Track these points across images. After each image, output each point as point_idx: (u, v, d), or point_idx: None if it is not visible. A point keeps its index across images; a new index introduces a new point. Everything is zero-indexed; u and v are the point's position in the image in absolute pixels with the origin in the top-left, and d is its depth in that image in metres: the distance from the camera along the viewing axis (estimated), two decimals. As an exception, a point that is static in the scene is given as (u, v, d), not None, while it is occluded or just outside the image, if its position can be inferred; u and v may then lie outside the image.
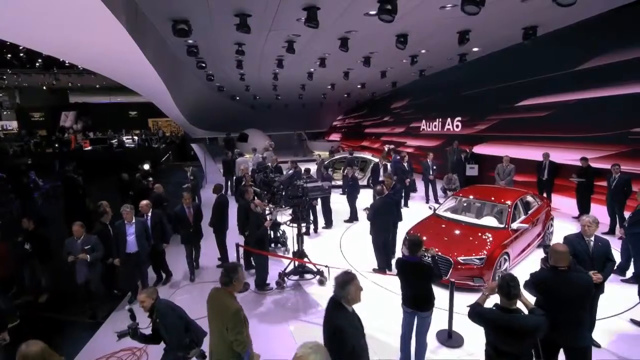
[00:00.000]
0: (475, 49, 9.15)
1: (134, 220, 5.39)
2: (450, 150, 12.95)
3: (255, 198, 6.33)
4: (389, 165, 11.34)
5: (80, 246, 4.94)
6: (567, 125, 9.29)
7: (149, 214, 5.93)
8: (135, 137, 32.27)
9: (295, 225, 5.82)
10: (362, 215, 9.62)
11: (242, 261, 6.42)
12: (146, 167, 11.70)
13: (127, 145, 28.95)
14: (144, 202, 5.96)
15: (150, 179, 9.88)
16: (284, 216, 6.67)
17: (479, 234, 5.94)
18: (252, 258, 6.17)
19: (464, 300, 5.11)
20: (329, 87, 15.32)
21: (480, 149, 12.45)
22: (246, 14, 5.32)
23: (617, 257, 5.37)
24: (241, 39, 7.34)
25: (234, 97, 19.06)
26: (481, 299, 3.01)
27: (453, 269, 5.48)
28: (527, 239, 6.45)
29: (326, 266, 5.11)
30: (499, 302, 2.82)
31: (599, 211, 8.50)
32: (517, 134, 10.95)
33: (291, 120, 25.02)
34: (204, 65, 9.97)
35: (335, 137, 28.78)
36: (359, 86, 15.48)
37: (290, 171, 6.16)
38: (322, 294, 5.61)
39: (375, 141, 20.99)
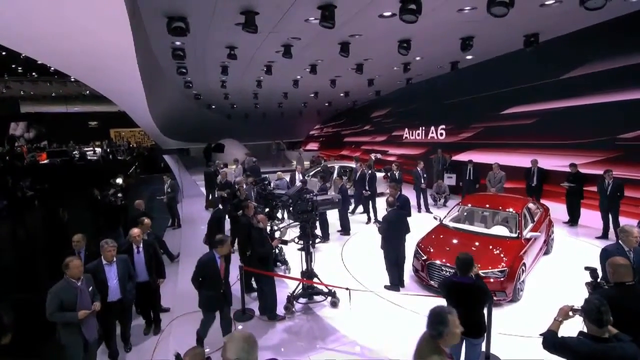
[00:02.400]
0: (468, 57, 9.20)
1: (115, 259, 4.13)
2: (435, 158, 13.03)
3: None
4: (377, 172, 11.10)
5: (85, 291, 3.56)
6: (554, 132, 9.52)
7: (140, 246, 4.74)
8: (98, 149, 30.18)
9: (303, 242, 5.31)
10: (357, 228, 9.33)
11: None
12: (119, 181, 10.69)
13: (89, 157, 26.94)
14: (136, 231, 4.74)
15: (120, 195, 9.00)
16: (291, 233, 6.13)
17: (494, 245, 5.73)
18: (253, 280, 5.55)
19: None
20: (312, 95, 15.00)
21: (466, 157, 12.57)
22: (254, 12, 4.84)
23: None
24: (235, 42, 6.83)
25: (210, 106, 18.25)
26: (554, 326, 2.68)
27: (475, 283, 5.20)
28: (537, 248, 6.35)
29: (347, 289, 4.64)
30: (582, 329, 2.50)
31: (589, 216, 8.74)
32: (504, 141, 11.13)
33: (268, 130, 24.44)
34: (184, 70, 9.28)
35: (312, 146, 28.47)
36: (342, 94, 15.30)
37: (299, 183, 5.65)
38: (336, 318, 5.13)
39: (355, 150, 20.88)
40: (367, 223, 9.80)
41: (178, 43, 6.62)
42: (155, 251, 4.92)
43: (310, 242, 5.24)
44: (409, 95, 15.25)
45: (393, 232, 5.67)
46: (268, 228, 5.88)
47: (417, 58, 8.87)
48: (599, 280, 3.43)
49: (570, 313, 2.69)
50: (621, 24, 7.37)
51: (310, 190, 5.02)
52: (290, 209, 5.13)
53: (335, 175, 12.20)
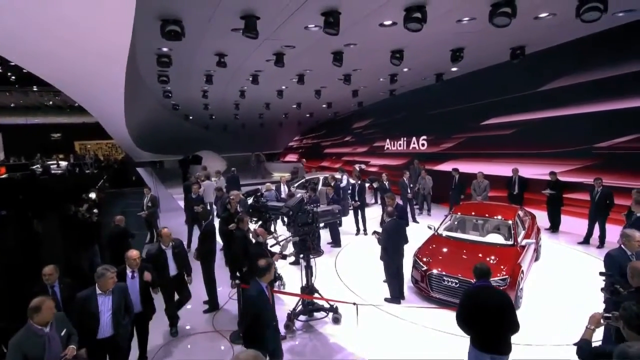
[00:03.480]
0: (454, 69, 9.45)
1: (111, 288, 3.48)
2: (412, 168, 13.18)
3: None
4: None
5: (54, 338, 2.92)
6: (534, 141, 9.90)
7: (136, 270, 4.11)
8: (63, 163, 28.34)
9: (304, 256, 5.07)
10: (346, 239, 9.18)
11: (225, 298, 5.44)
12: (92, 195, 9.97)
13: (53, 171, 25.18)
14: (135, 253, 4.11)
15: (95, 210, 8.33)
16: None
17: (492, 253, 5.74)
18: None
19: None
20: (295, 106, 14.90)
21: (448, 167, 12.83)
22: (255, 16, 4.66)
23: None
24: (226, 49, 6.60)
25: (187, 117, 17.70)
26: (588, 335, 2.62)
27: (478, 292, 5.15)
28: (530, 254, 6.45)
29: (354, 304, 4.43)
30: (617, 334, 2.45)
31: (569, 222, 9.08)
32: (484, 151, 11.46)
33: (247, 141, 24.04)
34: (166, 79, 8.91)
35: (291, 157, 28.27)
36: (324, 105, 15.30)
37: (299, 195, 5.43)
38: (340, 335, 4.90)
39: (336, 161, 20.89)
40: (356, 234, 9.68)
41: (165, 49, 6.30)
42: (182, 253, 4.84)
43: (312, 256, 5.00)
44: (391, 107, 15.49)
45: (393, 242, 5.55)
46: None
47: (405, 69, 9.02)
48: (615, 285, 3.44)
49: (602, 320, 2.64)
50: (597, 40, 7.81)
51: (317, 200, 4.80)
52: (290, 221, 4.89)
53: (320, 185, 12.05)
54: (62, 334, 3.00)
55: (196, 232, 8.75)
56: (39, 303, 2.80)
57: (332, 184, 9.26)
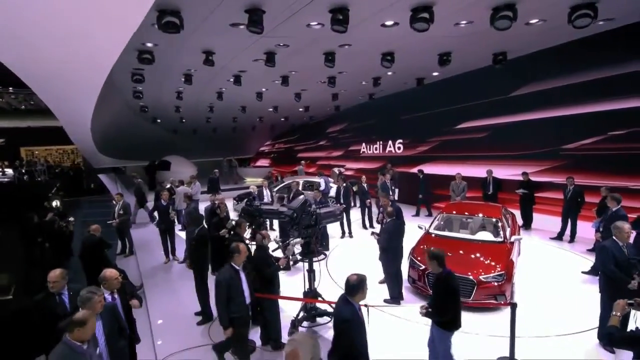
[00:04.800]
0: (435, 74, 9.74)
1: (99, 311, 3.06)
2: (384, 171, 13.41)
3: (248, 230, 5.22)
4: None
5: (94, 354, 2.71)
6: (506, 144, 10.45)
7: (115, 294, 3.54)
8: (9, 170, 25.76)
9: (308, 260, 4.91)
10: (333, 242, 9.08)
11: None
12: (55, 203, 9.09)
13: (-2, 179, 22.80)
14: (113, 273, 3.53)
15: (72, 219, 7.61)
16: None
17: (486, 250, 5.91)
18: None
19: (493, 323, 4.96)
20: (271, 109, 14.65)
21: (424, 169, 13.19)
22: (262, 10, 4.45)
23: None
24: (215, 47, 6.29)
25: (155, 120, 16.80)
26: (615, 321, 2.73)
27: (477, 288, 5.27)
28: (517, 250, 6.72)
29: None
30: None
31: (541, 220, 9.64)
32: (459, 153, 11.92)
33: (218, 146, 23.29)
34: (141, 78, 8.38)
35: (262, 162, 27.78)
36: (301, 109, 15.19)
37: (302, 196, 5.26)
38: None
39: (311, 165, 20.81)
40: (342, 237, 9.62)
41: (149, 45, 5.88)
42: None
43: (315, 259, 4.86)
44: (367, 111, 15.72)
45: (394, 243, 5.54)
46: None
47: (389, 73, 9.17)
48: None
49: (627, 307, 2.76)
50: (565, 49, 8.40)
51: (324, 201, 4.65)
52: (294, 224, 4.71)
53: (300, 188, 11.92)
54: (97, 353, 2.75)
55: (179, 242, 8.27)
56: (85, 318, 2.54)
57: (319, 188, 9.13)
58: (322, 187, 11.27)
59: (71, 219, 7.38)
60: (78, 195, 21.24)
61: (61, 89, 6.41)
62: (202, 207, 12.10)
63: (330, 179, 12.76)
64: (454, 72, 9.99)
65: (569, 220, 8.37)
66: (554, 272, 6.81)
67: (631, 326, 2.76)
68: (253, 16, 4.42)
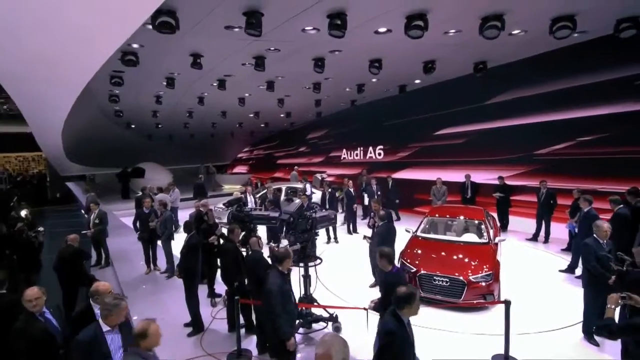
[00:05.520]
0: (417, 81, 10.03)
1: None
2: (361, 178, 13.57)
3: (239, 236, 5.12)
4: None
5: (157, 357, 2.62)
6: (483, 149, 10.90)
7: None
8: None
9: (304, 265, 4.87)
10: (319, 248, 9.05)
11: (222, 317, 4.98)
12: (24, 213, 8.50)
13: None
14: (106, 285, 3.38)
15: (41, 229, 7.13)
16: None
17: (473, 251, 6.10)
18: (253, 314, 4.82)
19: (483, 322, 5.12)
20: (252, 115, 14.50)
21: (405, 175, 13.53)
22: (259, 12, 4.40)
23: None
24: (204, 50, 6.16)
25: (129, 125, 16.18)
26: (610, 314, 2.88)
27: (467, 289, 5.42)
28: (500, 250, 6.98)
29: (365, 308, 4.33)
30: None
31: (516, 222, 10.08)
32: (438, 159, 12.30)
33: (195, 152, 22.72)
34: (120, 81, 8.08)
35: (240, 169, 27.37)
36: (283, 115, 15.15)
37: (297, 200, 5.21)
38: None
39: (290, 171, 20.72)
40: (327, 242, 9.62)
41: (135, 46, 5.67)
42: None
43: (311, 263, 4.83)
44: (348, 117, 15.91)
45: (386, 245, 5.59)
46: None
47: (374, 80, 9.36)
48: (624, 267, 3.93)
49: (620, 301, 2.93)
50: (537, 60, 8.90)
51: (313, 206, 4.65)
52: (289, 228, 4.68)
53: (283, 196, 11.86)
54: None
55: (160, 252, 7.94)
56: (144, 328, 2.45)
57: (305, 193, 9.11)
58: (307, 192, 11.27)
59: (41, 229, 6.92)
60: (42, 205, 20.00)
61: (38, 91, 6.04)
62: (181, 214, 11.87)
63: (308, 185, 12.77)
64: (435, 80, 10.35)
65: (543, 222, 8.80)
66: (532, 271, 7.13)
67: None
68: (251, 19, 4.38)
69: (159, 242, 7.72)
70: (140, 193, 10.59)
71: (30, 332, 2.86)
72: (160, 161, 20.06)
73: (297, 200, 5.03)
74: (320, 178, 13.53)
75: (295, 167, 16.65)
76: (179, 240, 7.86)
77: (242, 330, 4.78)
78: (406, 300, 2.69)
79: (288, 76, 8.40)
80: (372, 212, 6.35)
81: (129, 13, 3.01)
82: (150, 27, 4.25)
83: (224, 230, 6.26)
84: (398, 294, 2.72)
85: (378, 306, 3.72)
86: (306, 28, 5.27)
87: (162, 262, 7.90)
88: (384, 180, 12.24)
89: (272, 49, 6.27)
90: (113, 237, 11.17)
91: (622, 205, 6.29)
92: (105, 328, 2.74)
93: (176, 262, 7.72)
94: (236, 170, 27.77)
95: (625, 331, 2.71)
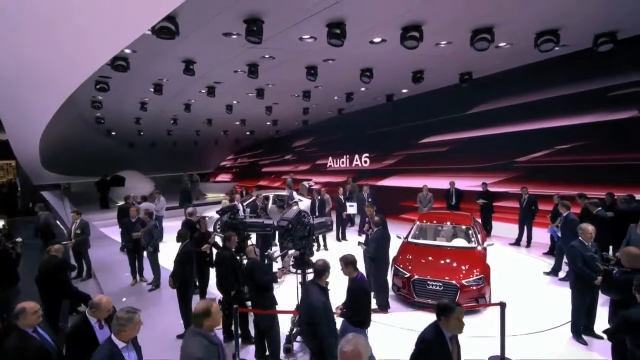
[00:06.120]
0: (404, 90, 10.27)
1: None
2: (345, 187, 13.68)
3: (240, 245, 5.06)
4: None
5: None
6: (466, 157, 11.25)
7: (103, 322, 3.17)
8: None
9: (301, 271, 4.86)
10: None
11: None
12: (0, 223, 8.07)
13: None
14: (108, 300, 3.19)
15: (19, 239, 6.76)
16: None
17: (464, 256, 6.26)
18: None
19: (476, 325, 5.23)
20: (238, 122, 14.41)
21: (390, 182, 13.76)
22: (260, 20, 4.41)
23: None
24: (196, 56, 6.11)
25: (109, 132, 15.73)
26: None
27: (460, 292, 5.54)
28: (488, 255, 7.19)
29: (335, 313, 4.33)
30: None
31: (499, 227, 10.40)
32: (424, 166, 12.59)
33: (177, 160, 22.26)
34: (106, 87, 7.90)
35: (223, 177, 27.00)
36: (269, 123, 15.13)
37: (295, 207, 5.21)
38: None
39: (276, 180, 20.65)
40: (317, 250, 9.60)
41: (128, 51, 5.56)
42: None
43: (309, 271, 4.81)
44: (334, 125, 16.07)
45: (381, 252, 5.67)
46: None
47: (363, 89, 9.53)
48: (609, 266, 4.13)
49: None
50: (517, 72, 9.35)
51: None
52: (288, 235, 4.66)
53: (270, 203, 11.80)
54: None
55: (146, 262, 7.69)
56: (207, 307, 2.50)
57: (294, 201, 9.09)
58: (295, 199, 11.25)
59: (19, 239, 6.57)
60: (12, 216, 18.99)
61: (22, 96, 5.79)
62: (166, 224, 11.56)
63: (295, 192, 12.78)
64: (421, 90, 10.65)
65: (525, 227, 9.13)
66: (517, 275, 7.36)
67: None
68: (252, 26, 4.41)
69: (145, 253, 7.50)
70: (124, 202, 10.25)
71: (26, 350, 2.66)
72: (141, 169, 19.54)
73: (295, 207, 5.03)
74: (307, 186, 13.53)
75: (290, 174, 16.59)
76: (163, 250, 7.72)
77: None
78: (442, 312, 2.60)
79: (279, 84, 8.45)
80: (366, 218, 6.41)
81: (135, 18, 2.98)
82: (148, 32, 4.22)
83: (217, 239, 6.18)
84: (443, 307, 2.63)
85: (344, 312, 3.80)
86: (303, 37, 5.36)
87: (148, 272, 7.67)
88: (388, 189, 12.34)
89: (267, 56, 6.32)
90: (93, 248, 10.77)
91: (600, 208, 6.69)
92: (120, 345, 2.57)
93: (163, 272, 7.58)
94: (219, 178, 27.38)
95: (620, 330, 2.86)
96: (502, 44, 6.31)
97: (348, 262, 3.72)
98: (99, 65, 4.37)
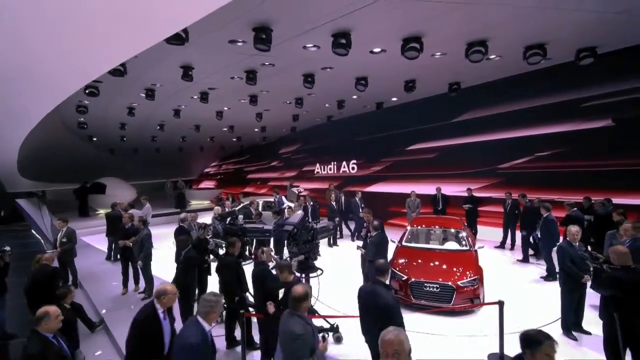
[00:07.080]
0: (394, 99, 10.56)
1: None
2: (328, 193, 13.85)
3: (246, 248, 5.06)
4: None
5: None
6: (452, 163, 11.66)
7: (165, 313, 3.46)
8: None
9: (306, 275, 4.93)
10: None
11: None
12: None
13: None
14: (173, 287, 3.45)
15: (8, 248, 6.45)
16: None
17: (457, 258, 6.49)
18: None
19: (472, 324, 5.43)
20: (226, 128, 14.31)
21: (377, 189, 14.01)
22: (269, 29, 4.48)
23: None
24: (195, 62, 6.09)
25: (91, 138, 15.25)
26: None
27: (456, 293, 5.74)
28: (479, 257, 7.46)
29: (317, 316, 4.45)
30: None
31: (484, 231, 10.80)
32: (411, 172, 12.92)
33: (160, 167, 21.77)
34: (95, 92, 7.74)
35: (207, 184, 26.58)
36: (257, 129, 15.12)
37: (300, 211, 5.26)
38: (345, 354, 4.80)
39: (262, 186, 20.56)
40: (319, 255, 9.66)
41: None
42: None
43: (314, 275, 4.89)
44: (322, 132, 16.24)
45: (380, 255, 5.79)
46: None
47: (354, 96, 9.74)
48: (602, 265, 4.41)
49: None
50: (499, 83, 9.84)
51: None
52: (292, 240, 4.73)
53: (260, 209, 11.78)
54: None
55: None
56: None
57: (282, 208, 9.15)
58: (284, 205, 11.27)
59: (7, 248, 6.27)
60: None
61: (7, 104, 5.57)
62: (153, 231, 11.27)
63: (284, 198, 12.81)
64: (410, 99, 10.98)
65: (509, 231, 9.53)
66: (504, 276, 7.67)
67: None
68: (261, 34, 4.49)
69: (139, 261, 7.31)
70: (110, 210, 9.97)
71: (48, 356, 2.66)
72: (122, 176, 18.98)
73: (300, 212, 5.10)
74: (297, 192, 13.58)
75: (291, 180, 16.50)
76: (153, 258, 7.54)
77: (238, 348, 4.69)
78: (528, 344, 2.24)
79: (273, 90, 8.52)
80: (364, 223, 6.55)
81: (156, 26, 2.99)
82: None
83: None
84: (523, 335, 2.31)
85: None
86: (307, 45, 5.49)
87: (140, 281, 7.49)
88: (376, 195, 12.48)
89: (267, 63, 6.40)
90: (81, 255, 10.39)
91: (575, 209, 7.17)
92: (207, 327, 2.69)
93: (156, 281, 7.41)
94: (203, 185, 26.95)
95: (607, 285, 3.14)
96: (492, 56, 6.68)
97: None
98: (107, 69, 4.31)
